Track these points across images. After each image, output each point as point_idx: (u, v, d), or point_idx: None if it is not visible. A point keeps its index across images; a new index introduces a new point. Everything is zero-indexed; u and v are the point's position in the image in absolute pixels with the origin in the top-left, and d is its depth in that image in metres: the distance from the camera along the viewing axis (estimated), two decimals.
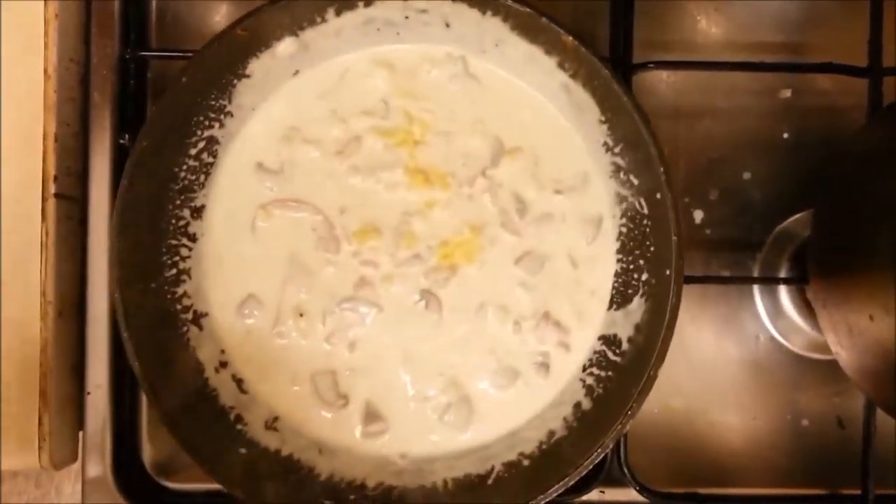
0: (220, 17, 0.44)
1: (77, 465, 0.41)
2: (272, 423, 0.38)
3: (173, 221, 0.38)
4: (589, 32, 0.43)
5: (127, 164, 0.35)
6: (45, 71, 0.39)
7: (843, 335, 0.37)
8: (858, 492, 0.41)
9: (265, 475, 0.36)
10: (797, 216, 0.45)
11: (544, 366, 0.39)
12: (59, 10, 0.39)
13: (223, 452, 0.36)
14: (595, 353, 0.39)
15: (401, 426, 0.38)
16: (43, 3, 0.39)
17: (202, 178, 0.38)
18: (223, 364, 0.38)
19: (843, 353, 0.38)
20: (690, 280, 0.40)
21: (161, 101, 0.35)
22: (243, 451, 0.37)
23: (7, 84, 0.39)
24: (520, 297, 0.39)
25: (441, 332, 0.39)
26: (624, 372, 0.37)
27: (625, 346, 0.38)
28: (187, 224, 0.38)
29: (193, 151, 0.38)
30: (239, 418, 0.38)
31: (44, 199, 0.39)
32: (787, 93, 0.45)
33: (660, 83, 0.45)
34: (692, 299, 0.44)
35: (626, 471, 0.40)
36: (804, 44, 0.45)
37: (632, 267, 0.38)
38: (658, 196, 0.35)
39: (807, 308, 0.44)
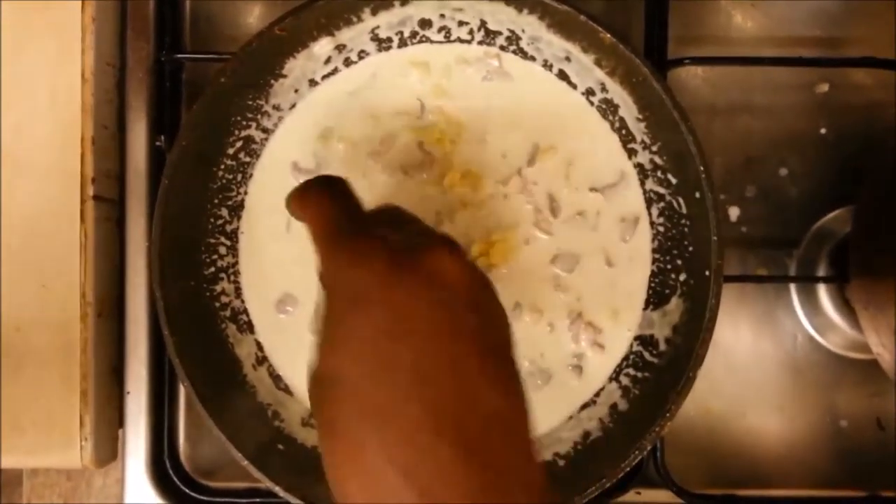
0: (253, 18, 0.44)
1: None
2: (308, 420, 0.38)
3: (212, 220, 0.38)
4: (623, 29, 0.42)
5: (167, 163, 0.35)
6: (83, 75, 0.40)
7: (886, 335, 0.37)
8: None
9: (303, 471, 0.36)
10: (835, 213, 0.44)
11: (578, 367, 0.39)
12: (95, 15, 0.40)
13: (262, 449, 0.36)
14: (631, 353, 0.38)
15: None
16: (80, 8, 0.39)
17: (240, 177, 0.39)
18: (260, 361, 0.39)
19: (885, 353, 0.37)
20: (728, 279, 0.40)
21: (200, 102, 0.35)
22: (281, 447, 0.37)
23: (46, 88, 0.39)
24: (554, 297, 0.38)
25: None
26: (661, 373, 0.37)
27: (662, 346, 0.37)
28: (225, 223, 0.39)
29: (231, 151, 0.38)
30: (276, 415, 0.38)
31: (82, 201, 0.39)
32: (825, 87, 0.44)
33: (695, 79, 0.44)
34: (728, 298, 0.43)
35: (662, 472, 0.40)
36: (841, 38, 0.45)
37: (669, 267, 0.38)
38: (697, 195, 0.35)
39: (846, 307, 0.43)
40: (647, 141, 0.37)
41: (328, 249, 0.26)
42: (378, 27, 0.37)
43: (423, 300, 0.23)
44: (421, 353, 0.23)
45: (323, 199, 0.28)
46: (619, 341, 0.38)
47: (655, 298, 0.38)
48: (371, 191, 0.39)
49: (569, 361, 0.38)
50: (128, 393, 0.41)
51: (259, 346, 0.39)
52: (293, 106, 0.39)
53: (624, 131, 0.38)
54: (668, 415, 0.34)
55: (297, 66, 0.37)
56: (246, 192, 0.39)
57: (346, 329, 0.24)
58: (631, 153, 0.38)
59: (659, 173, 0.38)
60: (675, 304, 0.37)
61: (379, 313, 0.23)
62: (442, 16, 0.37)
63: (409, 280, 0.24)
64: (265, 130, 0.39)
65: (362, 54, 0.39)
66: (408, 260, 0.24)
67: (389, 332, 0.23)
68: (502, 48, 0.38)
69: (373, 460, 0.22)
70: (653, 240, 0.38)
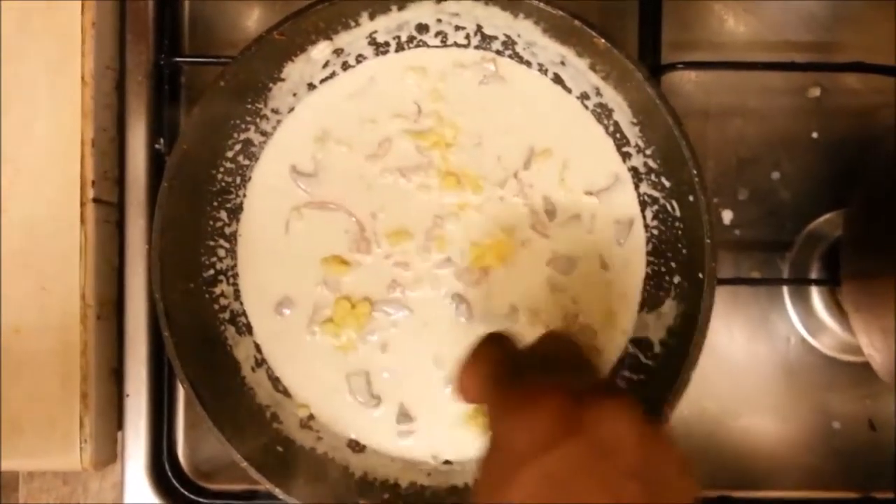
0: (251, 22, 0.44)
1: None
2: (307, 422, 0.39)
3: (211, 223, 0.38)
4: (617, 33, 0.43)
5: (167, 166, 0.35)
6: (83, 78, 0.40)
7: (877, 338, 0.37)
8: (891, 495, 0.41)
9: (301, 473, 0.37)
10: (827, 216, 0.44)
11: None
12: (95, 19, 0.40)
13: (261, 451, 0.36)
14: (626, 355, 0.39)
15: (432, 427, 0.39)
16: (80, 12, 0.40)
17: (238, 179, 0.39)
18: (259, 363, 0.39)
19: (876, 355, 0.38)
20: (721, 282, 0.40)
21: (199, 105, 0.35)
22: (280, 449, 0.37)
23: (45, 91, 0.40)
24: (550, 299, 0.39)
25: (472, 335, 0.38)
26: (656, 375, 0.37)
27: (657, 348, 0.38)
28: (224, 225, 0.39)
29: (230, 154, 0.38)
30: (275, 416, 0.38)
31: (82, 204, 0.40)
32: (817, 92, 0.45)
33: (688, 83, 0.45)
34: (722, 300, 0.43)
35: None
36: (833, 43, 0.45)
37: (663, 269, 0.38)
38: (691, 198, 0.35)
39: (838, 309, 0.44)
40: (641, 144, 0.38)
41: (492, 395, 0.26)
42: (376, 32, 0.38)
43: (581, 469, 0.23)
44: None
45: (481, 349, 0.28)
46: (615, 343, 0.39)
47: (650, 301, 0.39)
48: (368, 193, 0.39)
49: None
50: (127, 395, 0.41)
51: (258, 348, 0.39)
52: (291, 109, 0.39)
53: (618, 135, 0.39)
54: (662, 416, 0.34)
55: (296, 70, 0.38)
56: (245, 195, 0.39)
57: (501, 494, 0.23)
58: (625, 157, 0.39)
59: (653, 177, 0.38)
60: (669, 307, 0.37)
61: (533, 481, 0.22)
62: (439, 21, 0.38)
63: (571, 444, 0.23)
64: (264, 134, 0.39)
65: (360, 58, 0.39)
66: (571, 416, 0.23)
67: (543, 497, 0.22)
68: (498, 53, 0.39)
69: None
70: (647, 242, 0.39)
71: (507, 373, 0.26)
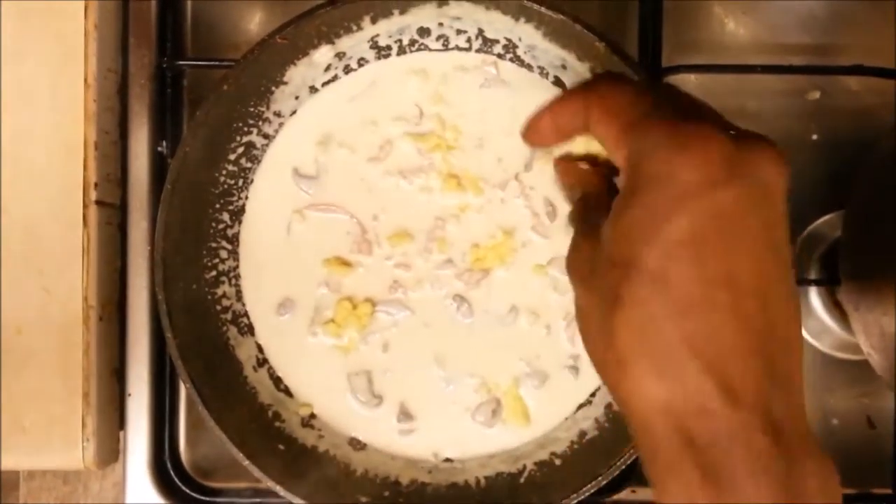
0: (254, 25, 0.44)
1: None
2: (308, 421, 0.39)
3: (213, 224, 0.39)
4: (618, 37, 0.43)
5: (170, 169, 0.36)
6: (86, 80, 0.40)
7: (876, 337, 0.37)
8: (889, 491, 0.41)
9: (303, 471, 0.37)
10: (826, 217, 0.45)
11: (575, 367, 0.39)
12: (97, 21, 0.40)
13: (263, 449, 0.36)
14: None
15: (433, 425, 0.39)
16: (83, 14, 0.40)
17: (241, 182, 0.39)
18: (261, 363, 0.39)
19: (875, 354, 0.38)
20: None
21: (203, 109, 0.35)
22: (282, 447, 0.37)
23: (48, 93, 0.40)
24: (550, 300, 0.39)
25: (473, 335, 0.39)
26: None
27: None
28: (227, 227, 0.39)
29: (233, 157, 0.38)
30: (277, 415, 0.39)
31: (85, 206, 0.40)
32: (816, 94, 0.45)
33: (688, 84, 0.45)
34: None
35: None
36: (832, 45, 0.45)
37: None
38: None
39: (837, 309, 0.44)
40: None
41: (638, 139, 0.24)
42: (377, 35, 0.38)
43: (748, 208, 0.22)
44: (735, 263, 0.22)
45: (622, 84, 0.26)
46: None
47: None
48: (370, 195, 0.39)
49: (565, 363, 0.39)
50: (129, 395, 0.41)
51: (259, 348, 0.39)
52: (294, 112, 0.39)
53: None
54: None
55: (298, 74, 0.38)
56: (247, 197, 0.39)
57: (663, 223, 0.22)
58: None
59: None
60: None
61: (702, 216, 0.22)
62: (440, 24, 0.38)
63: (739, 183, 0.22)
64: (266, 136, 0.39)
65: (362, 62, 0.39)
66: (740, 158, 0.22)
67: (708, 233, 0.22)
68: (499, 56, 0.39)
69: (672, 346, 0.21)
70: None
71: (650, 108, 0.24)
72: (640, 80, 0.27)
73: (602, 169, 0.30)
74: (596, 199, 0.28)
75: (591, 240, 0.25)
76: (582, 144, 0.30)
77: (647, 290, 0.22)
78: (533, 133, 0.29)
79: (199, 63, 0.43)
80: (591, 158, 0.30)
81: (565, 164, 0.31)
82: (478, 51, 0.39)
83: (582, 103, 0.26)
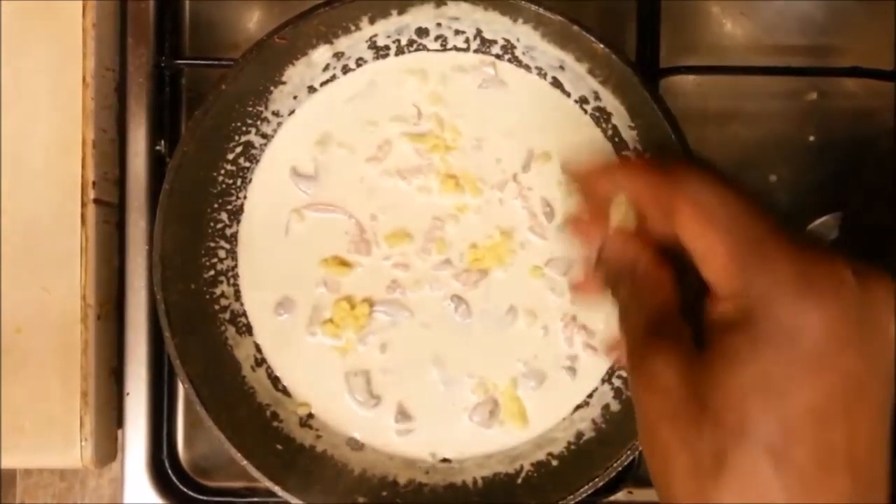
0: (252, 24, 0.44)
1: None
2: (306, 421, 0.39)
3: (212, 224, 0.39)
4: (616, 38, 0.43)
5: (168, 168, 0.36)
6: (84, 79, 0.40)
7: None
8: None
9: (300, 471, 0.37)
10: (823, 219, 0.45)
11: (572, 369, 0.39)
12: (96, 20, 0.40)
13: (261, 448, 0.36)
14: None
15: (431, 425, 0.39)
16: (81, 13, 0.40)
17: (239, 181, 0.39)
18: (259, 362, 0.39)
19: None
20: None
21: (201, 108, 0.35)
22: (279, 447, 0.38)
23: (46, 92, 0.40)
24: (548, 300, 0.39)
25: (470, 335, 0.39)
26: None
27: None
28: (225, 226, 0.39)
29: (231, 156, 0.39)
30: (275, 415, 0.39)
31: (83, 205, 0.40)
32: (814, 95, 0.45)
33: (686, 85, 0.45)
34: None
35: None
36: (830, 46, 0.45)
37: None
38: None
39: None
40: (640, 148, 0.38)
41: (758, 267, 0.20)
42: (376, 35, 0.38)
43: (874, 372, 0.19)
44: (857, 439, 0.19)
45: (734, 188, 0.21)
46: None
47: None
48: (368, 195, 0.39)
49: (563, 363, 0.39)
50: (127, 394, 0.41)
51: (258, 348, 0.39)
52: (292, 112, 0.39)
53: (617, 139, 0.39)
54: None
55: (297, 74, 0.38)
56: (245, 197, 0.39)
57: (788, 391, 0.19)
58: None
59: None
60: None
61: (832, 385, 0.19)
62: (439, 25, 0.38)
63: (868, 348, 0.19)
64: (265, 136, 0.39)
65: (360, 62, 0.39)
66: (868, 310, 0.19)
67: (838, 408, 0.19)
68: (498, 57, 0.39)
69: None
70: None
71: (774, 233, 0.20)
72: (733, 180, 0.22)
73: (654, 243, 0.23)
74: (663, 301, 0.23)
75: (679, 373, 0.21)
76: (619, 212, 0.24)
77: (762, 462, 0.19)
78: (584, 182, 0.25)
79: (198, 62, 0.43)
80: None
81: (598, 227, 0.25)
82: (476, 51, 0.39)
83: (669, 198, 0.21)
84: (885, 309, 0.19)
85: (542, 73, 0.39)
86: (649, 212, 0.22)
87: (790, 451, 0.19)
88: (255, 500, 0.41)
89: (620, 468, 0.35)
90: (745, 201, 0.21)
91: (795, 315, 0.19)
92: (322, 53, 0.38)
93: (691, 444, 0.20)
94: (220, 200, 0.39)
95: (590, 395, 0.39)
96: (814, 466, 0.19)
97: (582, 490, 0.35)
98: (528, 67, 0.39)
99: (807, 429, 0.19)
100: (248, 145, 0.39)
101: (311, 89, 0.39)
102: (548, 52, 0.37)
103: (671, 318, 0.22)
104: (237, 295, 0.39)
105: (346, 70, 0.39)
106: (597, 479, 0.35)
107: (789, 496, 0.19)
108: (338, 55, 0.38)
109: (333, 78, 0.39)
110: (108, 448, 0.41)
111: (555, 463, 0.38)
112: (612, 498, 0.41)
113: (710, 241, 0.21)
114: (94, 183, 0.40)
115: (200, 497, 0.42)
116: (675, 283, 0.23)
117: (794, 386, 0.19)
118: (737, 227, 0.20)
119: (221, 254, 0.39)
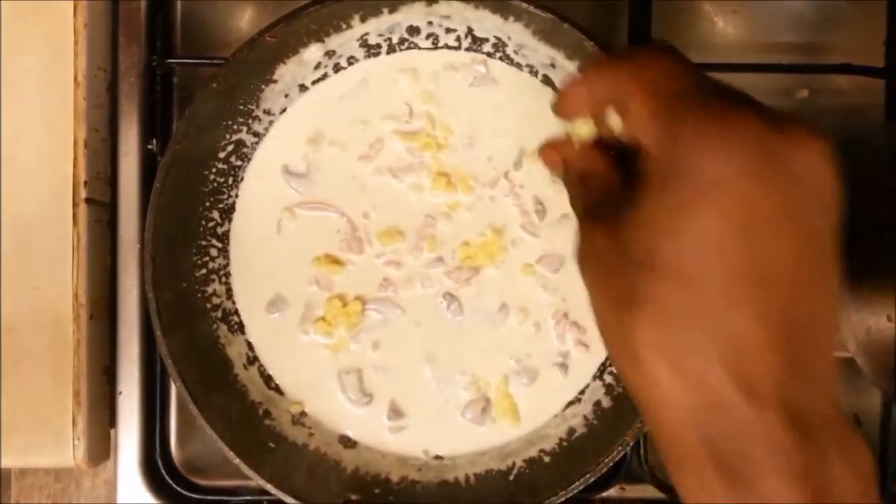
0: (244, 22, 0.44)
1: None
2: (299, 419, 0.39)
3: (203, 223, 0.39)
4: (607, 36, 0.43)
5: (159, 167, 0.36)
6: (75, 79, 0.40)
7: (862, 335, 0.38)
8: None
9: (293, 469, 0.37)
10: None
11: (564, 365, 0.39)
12: (87, 20, 0.40)
13: (254, 447, 0.36)
14: None
15: (423, 423, 0.39)
16: (72, 12, 0.40)
17: (231, 180, 0.39)
18: (251, 361, 0.39)
19: (861, 353, 0.38)
20: None
21: (192, 107, 0.35)
22: (272, 445, 0.38)
23: (38, 92, 0.40)
24: (540, 298, 0.39)
25: (462, 333, 0.39)
26: None
27: None
28: (217, 225, 0.39)
29: (222, 155, 0.39)
30: (267, 413, 0.39)
31: (75, 204, 0.40)
32: (805, 93, 0.45)
33: None
34: None
35: (646, 468, 0.40)
36: (821, 44, 0.46)
37: None
38: None
39: None
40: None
41: (671, 120, 0.22)
42: (367, 34, 0.38)
43: (780, 198, 0.21)
44: (762, 259, 0.21)
45: (665, 58, 0.24)
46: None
47: None
48: (360, 194, 0.39)
49: (554, 360, 0.39)
50: (119, 393, 0.41)
51: (250, 346, 0.40)
52: (284, 110, 0.39)
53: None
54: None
55: (288, 72, 0.38)
56: (237, 195, 0.39)
57: (689, 220, 0.21)
58: None
59: None
60: None
61: (732, 207, 0.20)
62: (430, 23, 0.38)
63: (773, 172, 0.21)
64: (256, 134, 0.39)
65: (352, 60, 0.39)
66: (778, 149, 0.21)
67: (736, 230, 0.21)
68: (489, 55, 0.39)
69: (691, 345, 0.21)
70: None
71: (691, 87, 0.23)
72: (687, 59, 0.24)
73: (606, 150, 0.28)
74: (603, 185, 0.27)
75: (606, 232, 0.24)
76: (584, 127, 0.29)
77: (670, 290, 0.21)
78: (565, 104, 0.28)
79: (189, 61, 0.43)
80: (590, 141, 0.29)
81: (560, 146, 0.29)
82: (467, 49, 0.39)
83: (618, 73, 0.25)
84: (798, 146, 0.21)
85: (533, 71, 0.39)
86: (623, 102, 0.25)
87: (693, 274, 0.21)
88: (248, 498, 0.41)
89: (612, 464, 0.35)
90: (680, 68, 0.24)
91: (698, 155, 0.21)
92: (313, 52, 0.38)
93: (612, 284, 0.23)
94: (211, 199, 0.39)
95: (581, 392, 0.39)
96: (716, 285, 0.21)
97: (574, 486, 0.35)
98: (519, 65, 0.39)
99: (709, 252, 0.21)
100: (240, 144, 0.39)
101: (303, 88, 0.39)
102: (539, 50, 0.37)
103: (608, 198, 0.25)
104: (229, 293, 0.39)
105: (337, 68, 0.39)
106: (588, 476, 0.35)
107: (694, 313, 0.21)
108: (329, 53, 0.38)
109: (325, 76, 0.39)
110: (101, 447, 0.41)
111: (547, 459, 0.38)
112: (604, 494, 0.41)
113: (641, 101, 0.23)
114: (85, 182, 0.40)
115: (193, 495, 0.42)
116: (610, 167, 0.27)
117: (692, 214, 0.21)
118: (664, 86, 0.23)
119: (213, 252, 0.39)
